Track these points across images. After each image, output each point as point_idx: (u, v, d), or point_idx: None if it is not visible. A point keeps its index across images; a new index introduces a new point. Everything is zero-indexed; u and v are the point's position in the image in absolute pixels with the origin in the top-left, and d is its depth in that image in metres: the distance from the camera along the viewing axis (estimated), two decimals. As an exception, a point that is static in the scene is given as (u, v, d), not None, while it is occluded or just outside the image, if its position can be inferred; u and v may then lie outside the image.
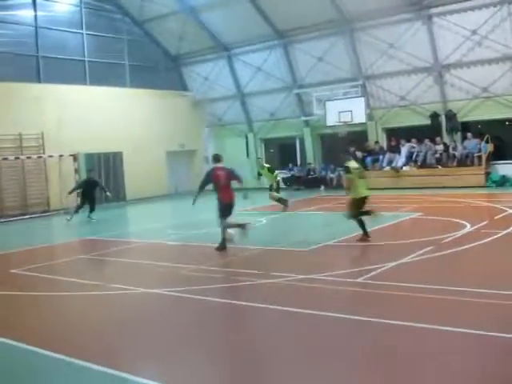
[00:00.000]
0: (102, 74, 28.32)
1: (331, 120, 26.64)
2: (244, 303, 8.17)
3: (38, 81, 25.95)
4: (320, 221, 18.08)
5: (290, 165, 30.13)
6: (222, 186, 13.16)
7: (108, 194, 21.19)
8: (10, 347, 6.92)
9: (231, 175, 13.41)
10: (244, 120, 31.30)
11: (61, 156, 24.88)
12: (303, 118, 29.02)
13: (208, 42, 29.79)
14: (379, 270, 9.51)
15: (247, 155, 31.21)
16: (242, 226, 12.85)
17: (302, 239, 13.72)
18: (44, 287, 10.24)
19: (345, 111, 25.98)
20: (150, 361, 6.33)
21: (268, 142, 32.04)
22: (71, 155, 25.03)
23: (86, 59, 28.13)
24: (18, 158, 23.86)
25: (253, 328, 7.26)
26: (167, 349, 6.67)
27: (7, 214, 23.17)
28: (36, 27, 26.34)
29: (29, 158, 24.23)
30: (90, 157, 26.80)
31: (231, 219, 13.02)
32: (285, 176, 29.58)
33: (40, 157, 24.63)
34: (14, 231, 20.27)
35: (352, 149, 26.91)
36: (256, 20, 27.07)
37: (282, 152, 32.47)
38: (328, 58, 26.95)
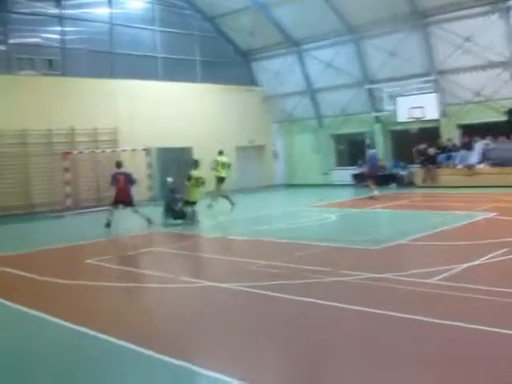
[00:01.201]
0: (173, 70, 28.79)
1: (402, 116, 26.26)
2: (313, 300, 8.12)
3: (112, 76, 26.59)
4: (391, 218, 17.81)
5: (360, 161, 29.78)
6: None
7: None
8: (84, 335, 7.14)
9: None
10: (314, 115, 31.17)
11: (133, 150, 25.44)
12: (374, 114, 28.68)
13: (278, 37, 29.79)
14: (453, 271, 9.29)
15: (316, 151, 31.08)
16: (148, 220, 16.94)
17: (373, 237, 13.55)
18: (116, 278, 10.50)
19: (416, 107, 25.56)
20: (220, 355, 6.40)
21: (338, 138, 31.80)
22: (144, 149, 25.56)
23: (158, 55, 28.64)
24: (93, 151, 24.56)
25: (322, 326, 7.21)
26: (238, 343, 6.72)
27: (82, 206, 23.88)
28: (111, 24, 27.00)
29: (103, 151, 24.90)
30: (161, 151, 27.29)
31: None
32: (354, 172, 29.38)
33: (114, 151, 25.25)
34: (88, 223, 20.85)
35: (423, 146, 26.45)
36: (327, 15, 26.88)
37: (351, 148, 32.13)
38: (400, 52, 26.49)
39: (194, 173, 17.50)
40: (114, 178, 17.39)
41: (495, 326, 6.59)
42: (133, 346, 6.57)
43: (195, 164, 17.90)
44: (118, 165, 17.75)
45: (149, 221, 17.16)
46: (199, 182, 17.33)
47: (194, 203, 17.40)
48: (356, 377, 5.59)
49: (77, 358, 6.52)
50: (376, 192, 22.11)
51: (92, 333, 7.15)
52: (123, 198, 17.39)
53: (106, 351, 6.68)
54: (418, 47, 25.99)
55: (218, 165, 21.73)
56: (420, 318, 7.09)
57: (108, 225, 17.16)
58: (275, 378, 5.80)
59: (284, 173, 32.65)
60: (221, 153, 22.54)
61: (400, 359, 5.99)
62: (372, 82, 28.23)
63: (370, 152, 23.74)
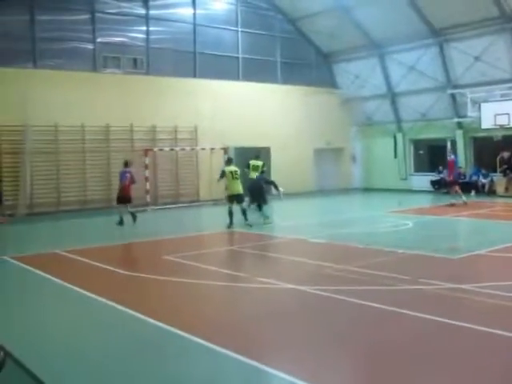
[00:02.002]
0: (254, 70, 29.01)
1: (486, 123, 25.46)
2: (388, 308, 8.02)
3: (194, 76, 27.06)
4: (470, 227, 17.36)
5: (440, 167, 29.17)
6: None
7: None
8: (158, 329, 7.32)
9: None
10: (393, 120, 30.71)
11: (212, 149, 25.81)
12: (456, 120, 27.95)
13: (360, 39, 29.51)
14: (536, 285, 8.99)
15: (395, 156, 30.64)
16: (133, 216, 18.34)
17: (451, 246, 13.26)
18: (193, 275, 10.67)
19: (502, 114, 24.74)
20: (291, 356, 6.43)
21: (417, 143, 31.22)
22: (222, 148, 25.90)
23: (240, 55, 28.92)
24: (173, 149, 25.08)
25: (394, 333, 7.12)
26: (309, 346, 6.73)
27: (161, 202, 24.44)
28: (194, 25, 27.46)
29: (182, 149, 25.40)
30: (239, 150, 27.53)
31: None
32: (433, 179, 28.80)
33: (193, 149, 25.73)
34: (166, 219, 21.31)
35: (508, 154, 25.64)
36: (411, 18, 26.42)
37: (431, 154, 31.50)
38: (486, 57, 25.73)
39: (228, 168, 18.17)
40: (123, 176, 18.55)
41: None
42: (206, 343, 6.70)
43: (229, 161, 18.97)
44: (126, 164, 18.98)
45: (120, 222, 18.14)
46: (234, 174, 18.00)
47: (239, 195, 17.78)
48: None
49: (146, 348, 6.70)
50: (464, 198, 22.07)
51: (162, 325, 7.33)
52: (124, 195, 18.47)
53: (180, 346, 6.83)
54: (505, 52, 25.17)
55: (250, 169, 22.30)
56: (497, 331, 6.89)
57: (121, 222, 18.15)
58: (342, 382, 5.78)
59: (362, 176, 32.33)
60: (257, 157, 23.06)
61: (474, 372, 5.84)
62: (455, 86, 27.54)
63: (451, 157, 23.59)
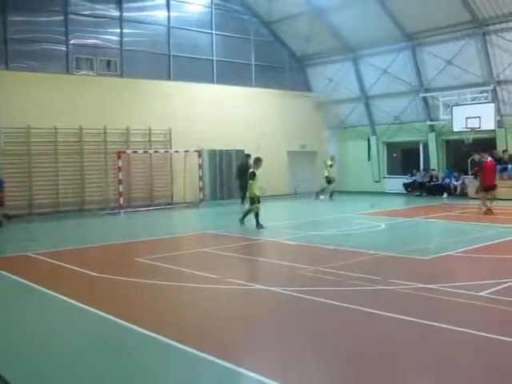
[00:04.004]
0: (228, 73, 29.05)
1: (458, 126, 25.80)
2: (359, 308, 8.08)
3: (168, 78, 27.02)
4: (441, 229, 17.54)
5: (414, 170, 29.50)
6: None
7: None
8: (128, 330, 7.29)
9: None
10: (367, 123, 30.97)
11: (186, 151, 25.76)
12: (428, 123, 28.27)
13: (334, 43, 29.71)
14: (504, 285, 9.10)
15: (369, 158, 30.87)
16: None
17: (423, 247, 13.40)
18: (164, 276, 10.63)
19: (473, 117, 25.08)
20: (260, 356, 6.44)
21: (391, 146, 31.51)
22: (196, 151, 25.87)
23: (215, 58, 28.93)
24: (147, 151, 24.99)
25: (366, 333, 7.17)
26: (279, 346, 6.75)
27: (134, 205, 24.34)
28: (169, 27, 27.43)
29: (156, 152, 25.32)
30: (213, 153, 27.58)
31: None
32: (406, 181, 29.08)
33: (167, 151, 25.66)
34: (139, 221, 21.22)
35: (478, 156, 25.96)
36: (384, 22, 26.68)
37: (404, 157, 31.83)
38: (457, 61, 26.09)
39: (256, 170, 17.64)
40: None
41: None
42: (177, 344, 6.69)
43: (257, 161, 17.86)
44: None
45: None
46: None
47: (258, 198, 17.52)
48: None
49: (118, 350, 6.67)
50: (489, 204, 19.98)
51: (132, 327, 7.31)
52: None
53: (149, 347, 6.82)
54: (476, 56, 25.54)
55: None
56: (467, 330, 6.98)
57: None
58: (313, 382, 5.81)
59: (336, 179, 32.42)
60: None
61: (447, 371, 5.91)
62: (427, 90, 27.86)
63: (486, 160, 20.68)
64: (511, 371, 5.84)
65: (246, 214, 17.49)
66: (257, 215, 17.16)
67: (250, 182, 17.39)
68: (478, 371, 5.91)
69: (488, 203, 19.80)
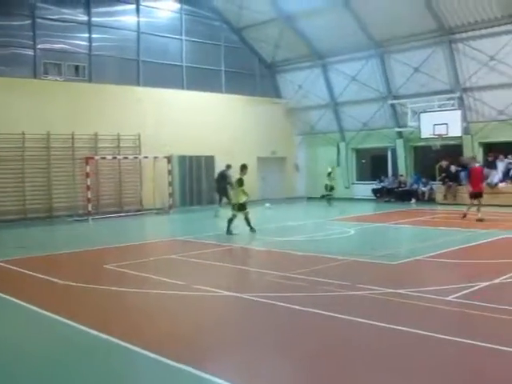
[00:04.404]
0: (198, 79, 28.99)
1: (425, 132, 26.11)
2: (328, 313, 8.09)
3: (138, 84, 26.87)
4: (410, 234, 17.71)
5: (382, 176, 29.75)
6: None
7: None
8: (93, 337, 7.20)
9: None
10: (336, 129, 31.16)
11: (155, 157, 25.61)
12: (397, 130, 28.54)
13: (304, 49, 29.88)
14: (470, 290, 9.21)
15: (337, 164, 31.04)
16: None
17: (391, 252, 13.50)
18: (132, 284, 10.53)
19: (440, 124, 25.40)
20: (229, 363, 6.41)
21: (360, 152, 31.74)
22: (165, 157, 25.73)
23: (184, 64, 28.86)
24: (115, 157, 24.78)
25: (335, 338, 7.19)
26: (247, 353, 6.72)
27: (103, 211, 24.09)
28: (138, 32, 27.30)
29: (125, 158, 25.12)
30: (183, 159, 27.47)
31: None
32: (375, 187, 29.32)
33: (136, 157, 25.48)
34: (108, 228, 21.03)
35: (446, 163, 26.34)
36: (353, 29, 26.91)
37: (373, 163, 32.08)
38: (425, 68, 26.43)
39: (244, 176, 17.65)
40: None
41: (509, 345, 6.54)
42: (145, 352, 6.62)
43: (244, 169, 17.89)
44: None
45: None
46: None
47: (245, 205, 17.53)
48: (368, 391, 5.56)
49: (85, 360, 6.58)
50: (469, 210, 19.55)
51: (98, 334, 7.22)
52: None
53: (114, 353, 6.73)
54: (443, 64, 25.91)
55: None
56: (435, 334, 7.03)
57: None
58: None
59: (305, 185, 32.57)
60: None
61: (412, 374, 5.94)
62: (396, 97, 28.16)
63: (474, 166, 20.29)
64: (475, 373, 5.89)
65: (229, 223, 17.31)
66: (230, 221, 17.14)
67: (238, 188, 17.35)
68: (440, 374, 5.95)
69: (471, 209, 19.50)
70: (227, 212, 21.70)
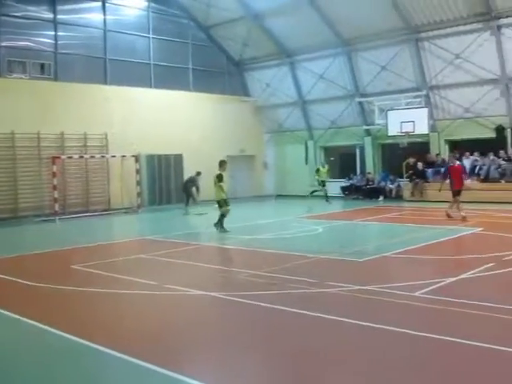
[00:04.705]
0: (166, 78, 28.81)
1: (393, 130, 26.35)
2: (298, 311, 8.13)
3: (105, 82, 26.61)
4: (377, 231, 17.88)
5: (351, 174, 29.95)
6: None
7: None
8: (61, 338, 7.12)
9: None
10: (304, 127, 31.27)
11: (123, 156, 25.41)
12: (364, 127, 28.76)
13: (271, 48, 29.93)
14: (438, 285, 9.33)
15: (306, 162, 31.15)
16: None
17: (359, 249, 13.60)
18: (101, 284, 10.44)
19: (407, 121, 25.66)
20: (200, 362, 6.40)
21: (328, 150, 31.90)
22: (133, 156, 25.54)
23: (152, 62, 28.67)
24: (82, 156, 24.51)
25: (304, 336, 7.22)
26: (219, 352, 6.72)
27: (70, 211, 23.81)
28: (105, 30, 27.03)
29: (92, 157, 24.87)
30: (151, 158, 27.29)
31: None
32: (344, 185, 29.50)
33: (103, 156, 25.24)
34: (76, 228, 20.79)
35: (412, 160, 26.62)
36: (320, 27, 27.02)
37: (341, 160, 32.27)
38: (392, 67, 26.68)
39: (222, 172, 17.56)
40: None
41: (475, 339, 6.64)
42: (115, 353, 6.57)
43: (223, 164, 17.84)
44: None
45: None
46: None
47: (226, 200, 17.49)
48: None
49: (52, 361, 6.51)
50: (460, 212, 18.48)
51: (71, 337, 7.15)
52: None
53: (82, 354, 6.67)
54: (409, 62, 26.18)
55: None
56: (403, 330, 7.11)
57: None
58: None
59: (274, 183, 32.63)
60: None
61: (381, 369, 6.00)
62: (363, 95, 28.37)
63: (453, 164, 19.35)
64: (439, 368, 5.97)
65: (220, 218, 17.21)
66: (222, 217, 17.10)
67: (219, 184, 17.25)
68: (407, 368, 6.02)
69: (452, 208, 18.72)
70: (195, 211, 22.07)
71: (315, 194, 27.67)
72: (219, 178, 17.31)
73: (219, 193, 17.30)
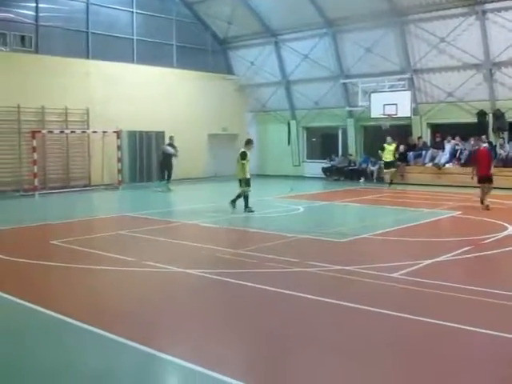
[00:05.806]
0: (149, 53, 28.50)
1: (376, 112, 26.37)
2: (277, 290, 8.15)
3: (87, 57, 26.26)
4: (358, 212, 17.95)
5: (332, 155, 29.96)
6: None
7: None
8: (40, 314, 7.08)
9: None
10: (287, 107, 31.17)
11: (104, 132, 25.18)
12: (347, 109, 28.74)
13: (256, 26, 29.68)
14: (415, 267, 9.41)
15: (288, 143, 31.12)
16: None
17: (339, 230, 13.66)
18: (80, 260, 10.38)
19: (390, 104, 25.69)
20: (177, 339, 6.40)
21: (310, 131, 31.87)
22: (115, 132, 25.33)
23: (135, 37, 28.33)
24: (63, 132, 24.24)
25: (284, 315, 7.25)
26: (197, 329, 6.73)
27: (50, 187, 23.60)
28: (87, 3, 26.60)
29: (73, 132, 24.60)
30: (132, 134, 27.08)
31: None
32: (325, 166, 29.52)
33: (84, 132, 24.99)
34: (55, 203, 20.66)
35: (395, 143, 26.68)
36: (306, 7, 26.83)
37: (323, 142, 32.27)
38: (376, 49, 26.61)
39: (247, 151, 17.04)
40: None
41: (450, 320, 6.72)
42: (95, 329, 6.55)
43: (248, 143, 17.48)
44: None
45: None
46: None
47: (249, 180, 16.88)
48: (318, 366, 5.62)
49: (36, 340, 6.48)
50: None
51: (49, 312, 7.11)
52: None
53: (60, 330, 6.64)
54: (394, 45, 26.14)
55: None
56: (380, 310, 7.18)
57: None
58: (234, 364, 5.81)
59: (256, 163, 32.44)
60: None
61: (358, 346, 6.04)
62: (347, 76, 28.31)
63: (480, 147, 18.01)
64: (417, 347, 6.03)
65: (238, 196, 16.68)
66: (246, 198, 16.53)
67: (242, 162, 16.76)
68: (382, 345, 6.08)
69: (484, 197, 16.88)
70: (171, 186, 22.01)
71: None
72: (242, 155, 16.83)
73: (241, 171, 16.76)
